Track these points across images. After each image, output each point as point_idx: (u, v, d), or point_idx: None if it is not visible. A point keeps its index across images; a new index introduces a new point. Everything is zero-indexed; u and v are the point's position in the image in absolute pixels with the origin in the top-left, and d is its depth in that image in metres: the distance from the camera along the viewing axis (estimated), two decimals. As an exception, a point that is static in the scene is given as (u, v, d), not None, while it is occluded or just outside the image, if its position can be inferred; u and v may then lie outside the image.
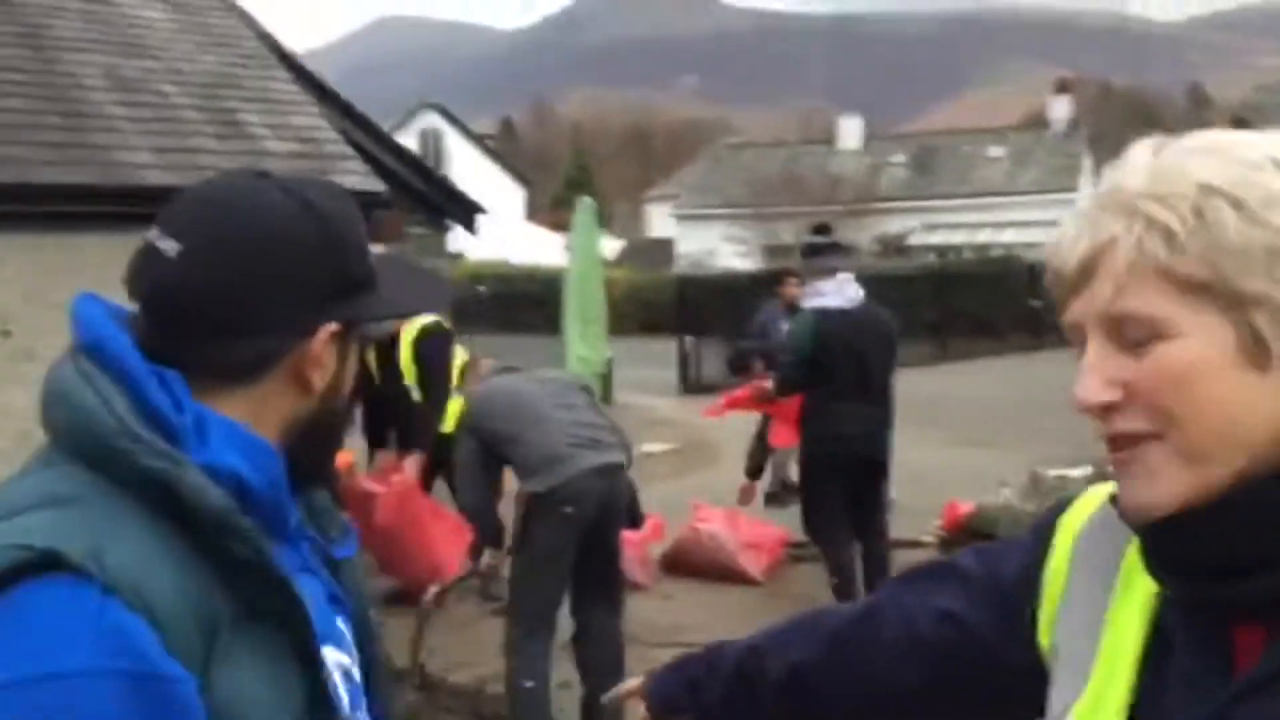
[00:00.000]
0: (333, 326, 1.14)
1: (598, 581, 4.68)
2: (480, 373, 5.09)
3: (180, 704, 0.95)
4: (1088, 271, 0.92)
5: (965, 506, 6.99)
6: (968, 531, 6.55)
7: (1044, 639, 1.10)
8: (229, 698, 1.01)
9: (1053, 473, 6.09)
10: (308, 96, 8.36)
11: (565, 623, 4.73)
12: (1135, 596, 0.99)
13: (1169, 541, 0.91)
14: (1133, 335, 0.90)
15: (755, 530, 7.17)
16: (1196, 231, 0.89)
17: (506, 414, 4.59)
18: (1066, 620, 1.06)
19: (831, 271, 6.14)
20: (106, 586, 0.94)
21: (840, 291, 6.04)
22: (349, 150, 7.54)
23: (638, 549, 6.94)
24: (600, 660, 4.66)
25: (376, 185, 7.33)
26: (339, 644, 1.21)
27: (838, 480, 6.09)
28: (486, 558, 4.98)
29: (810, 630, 1.33)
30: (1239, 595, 0.88)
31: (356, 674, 1.24)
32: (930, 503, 7.57)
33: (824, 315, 6.01)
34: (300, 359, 1.13)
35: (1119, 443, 0.91)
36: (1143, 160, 0.95)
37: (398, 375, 6.57)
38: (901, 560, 6.61)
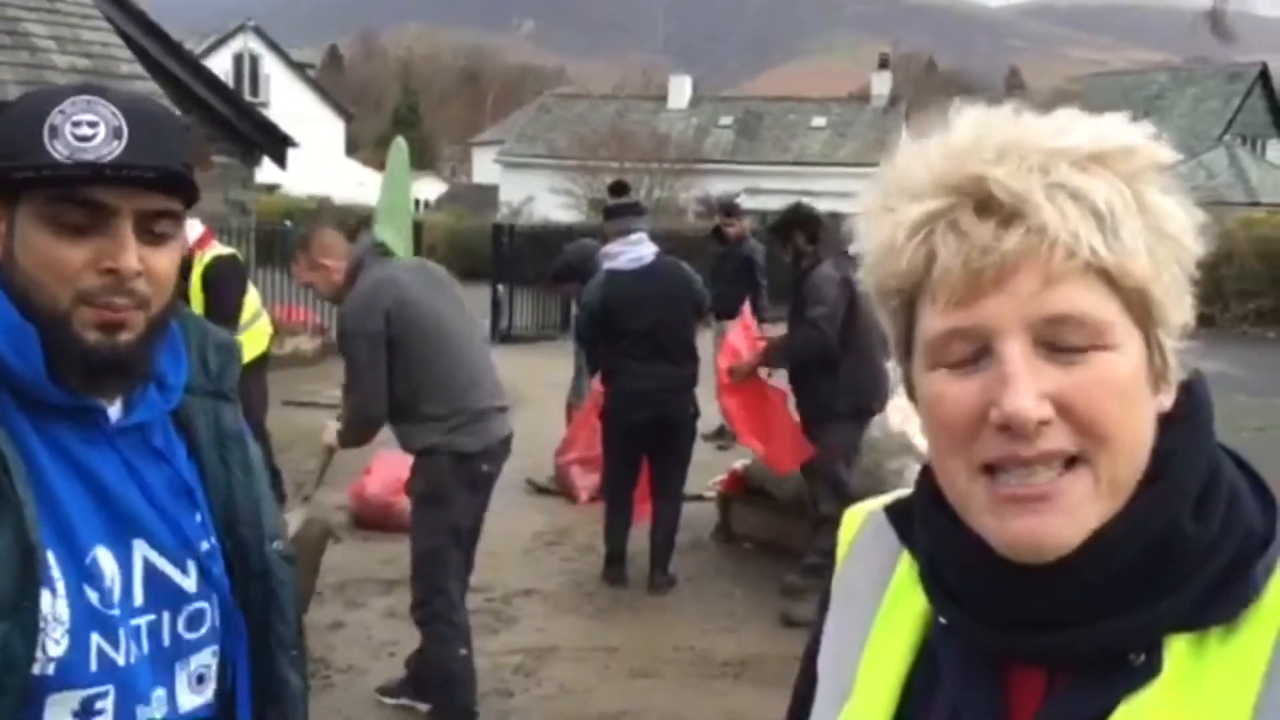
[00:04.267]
0: None
1: (473, 542, 4.49)
2: (336, 248, 4.17)
3: None
4: (1013, 265, 0.76)
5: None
6: (741, 486, 6.79)
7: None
8: None
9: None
10: (101, 9, 7.93)
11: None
12: (902, 617, 0.89)
13: (1019, 585, 0.79)
14: (1069, 342, 0.77)
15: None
16: (1131, 219, 0.78)
17: (430, 333, 4.08)
18: (826, 642, 0.96)
19: (626, 232, 6.21)
20: None
21: (629, 252, 6.12)
22: (140, 70, 7.20)
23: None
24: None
25: (169, 109, 7.02)
26: (156, 540, 1.29)
27: (628, 438, 6.18)
28: (332, 440, 4.31)
29: None
30: (1038, 647, 0.80)
31: (180, 578, 1.31)
32: (727, 459, 7.81)
33: (612, 276, 6.11)
34: None
35: (1033, 467, 0.77)
36: (1046, 118, 0.81)
37: (186, 305, 6.36)
38: (685, 514, 6.80)
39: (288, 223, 17.83)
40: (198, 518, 1.35)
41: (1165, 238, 0.78)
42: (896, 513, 0.92)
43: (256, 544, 1.41)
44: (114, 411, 1.30)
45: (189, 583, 1.33)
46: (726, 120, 37.64)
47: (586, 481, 7.64)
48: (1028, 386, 0.76)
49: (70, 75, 6.87)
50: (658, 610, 5.88)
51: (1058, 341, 0.77)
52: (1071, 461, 0.77)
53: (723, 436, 8.93)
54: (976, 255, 0.77)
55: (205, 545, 1.35)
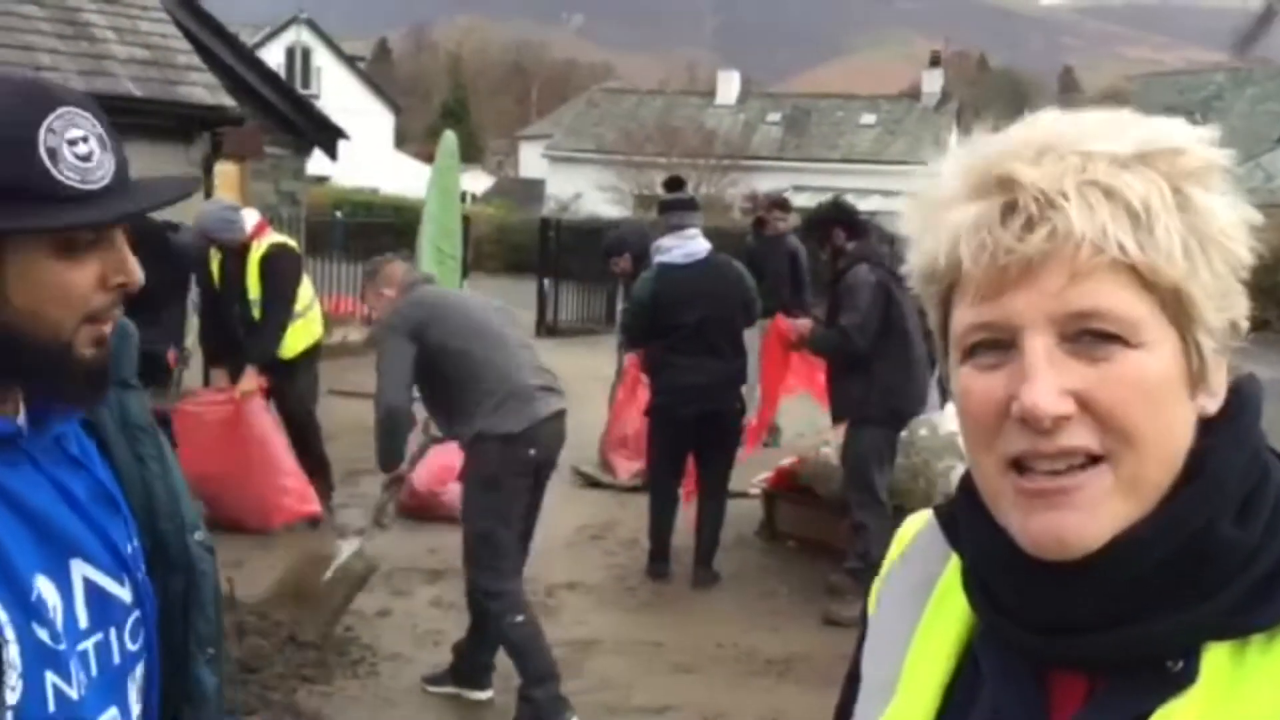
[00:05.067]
0: None
1: (527, 532, 4.50)
2: (396, 278, 4.55)
3: None
4: (1040, 261, 0.77)
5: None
6: (787, 484, 6.77)
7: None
8: None
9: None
10: (160, 1, 8.03)
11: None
12: (947, 620, 0.89)
13: (1050, 586, 0.79)
14: (1095, 339, 0.76)
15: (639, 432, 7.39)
16: (1169, 217, 0.76)
17: (462, 327, 4.33)
18: (871, 643, 0.97)
19: (678, 227, 6.21)
20: None
21: (683, 246, 6.12)
22: (198, 61, 7.30)
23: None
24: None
25: (225, 100, 7.14)
26: (92, 556, 1.23)
27: (676, 432, 6.20)
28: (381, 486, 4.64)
29: None
30: (1074, 651, 0.80)
31: (118, 590, 1.25)
32: (772, 456, 7.78)
33: (664, 269, 6.12)
34: None
35: (1056, 463, 0.77)
36: (1095, 117, 0.81)
37: (242, 291, 6.45)
38: (729, 511, 6.78)
39: (338, 214, 18.00)
40: (121, 521, 1.28)
41: (1209, 238, 0.77)
42: (945, 515, 0.92)
43: (178, 537, 1.35)
44: (22, 423, 1.19)
45: (126, 594, 1.27)
46: (774, 117, 37.47)
47: (627, 463, 7.88)
48: (1047, 381, 0.76)
49: (130, 66, 6.97)
50: (701, 606, 5.88)
51: (1083, 337, 0.76)
52: (1096, 459, 0.77)
53: (769, 433, 8.91)
54: (1002, 253, 0.77)
55: (130, 548, 1.28)
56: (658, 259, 6.24)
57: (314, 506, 6.54)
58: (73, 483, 1.23)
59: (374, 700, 4.57)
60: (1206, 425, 0.80)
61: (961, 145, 0.84)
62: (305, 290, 6.79)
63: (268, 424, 6.41)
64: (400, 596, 5.74)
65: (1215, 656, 0.76)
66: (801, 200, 34.63)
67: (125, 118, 6.91)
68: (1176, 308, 0.77)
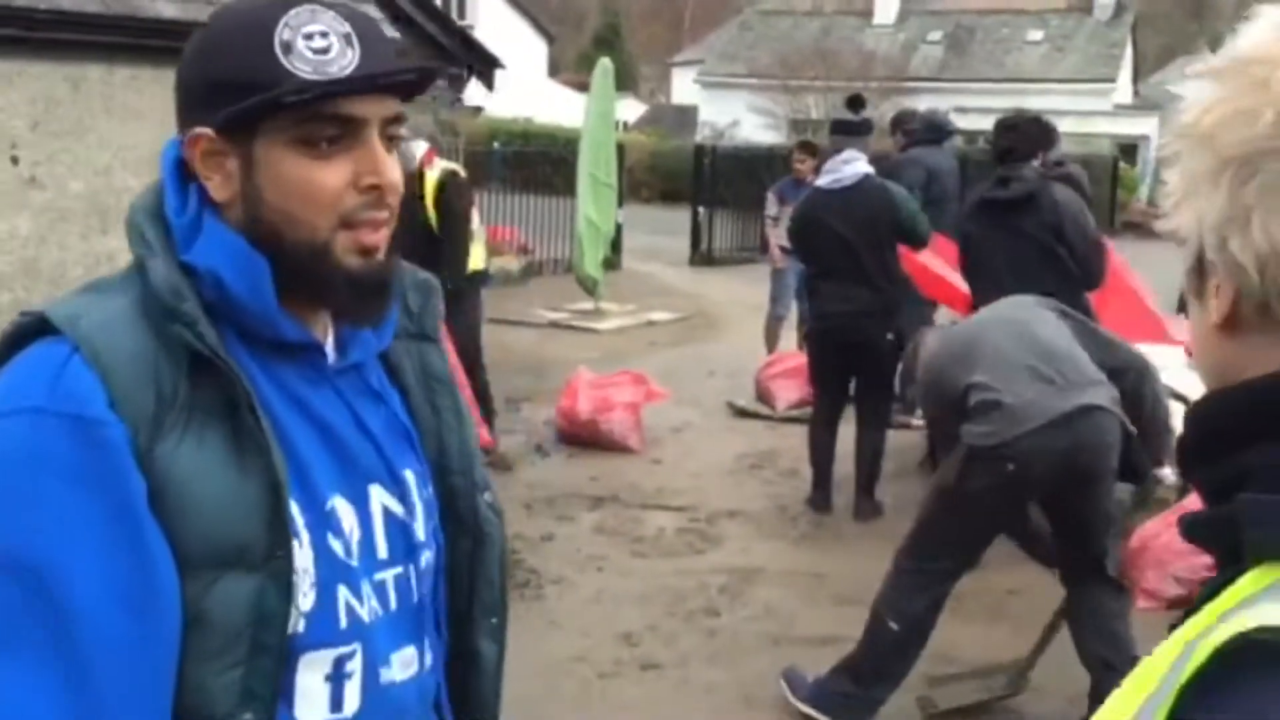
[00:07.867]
0: (202, 130, 1.12)
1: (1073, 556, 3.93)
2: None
3: (103, 442, 1.05)
4: None
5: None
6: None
7: None
8: (171, 473, 1.06)
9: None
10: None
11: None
12: None
13: None
14: None
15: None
16: None
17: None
18: None
19: (838, 150, 6.12)
20: (74, 345, 1.07)
21: (834, 170, 6.00)
22: (362, -7, 7.40)
23: (632, 413, 7.05)
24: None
25: (390, 33, 7.19)
26: (389, 487, 1.22)
27: (826, 359, 6.16)
28: None
29: None
30: None
31: (417, 528, 1.24)
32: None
33: (812, 193, 6.13)
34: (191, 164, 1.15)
35: None
36: None
37: (418, 220, 6.50)
38: (891, 441, 6.60)
39: (496, 144, 18.15)
40: (416, 461, 1.26)
41: None
42: None
43: (468, 494, 1.31)
44: (330, 351, 1.20)
45: (421, 531, 1.24)
46: (935, 36, 36.16)
47: (785, 394, 7.95)
48: None
49: None
50: (863, 538, 5.79)
51: None
52: None
53: None
54: None
55: (424, 493, 1.26)
56: (817, 181, 6.25)
57: (487, 437, 6.65)
58: (371, 414, 1.22)
59: (540, 623, 4.67)
60: None
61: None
62: (473, 215, 6.89)
63: (451, 354, 6.52)
64: (564, 522, 5.83)
65: None
66: (965, 123, 33.32)
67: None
68: None
